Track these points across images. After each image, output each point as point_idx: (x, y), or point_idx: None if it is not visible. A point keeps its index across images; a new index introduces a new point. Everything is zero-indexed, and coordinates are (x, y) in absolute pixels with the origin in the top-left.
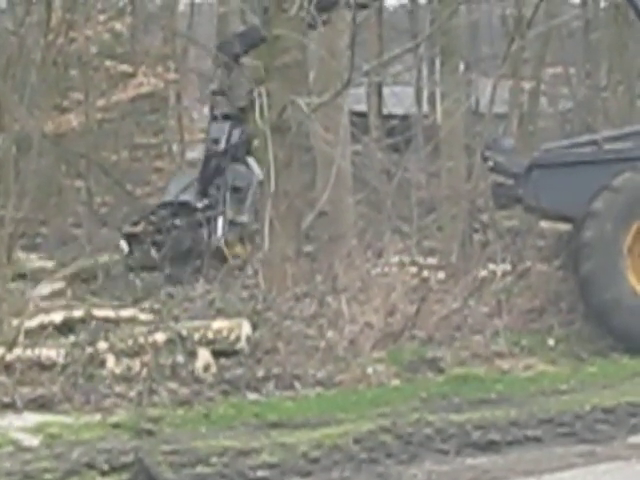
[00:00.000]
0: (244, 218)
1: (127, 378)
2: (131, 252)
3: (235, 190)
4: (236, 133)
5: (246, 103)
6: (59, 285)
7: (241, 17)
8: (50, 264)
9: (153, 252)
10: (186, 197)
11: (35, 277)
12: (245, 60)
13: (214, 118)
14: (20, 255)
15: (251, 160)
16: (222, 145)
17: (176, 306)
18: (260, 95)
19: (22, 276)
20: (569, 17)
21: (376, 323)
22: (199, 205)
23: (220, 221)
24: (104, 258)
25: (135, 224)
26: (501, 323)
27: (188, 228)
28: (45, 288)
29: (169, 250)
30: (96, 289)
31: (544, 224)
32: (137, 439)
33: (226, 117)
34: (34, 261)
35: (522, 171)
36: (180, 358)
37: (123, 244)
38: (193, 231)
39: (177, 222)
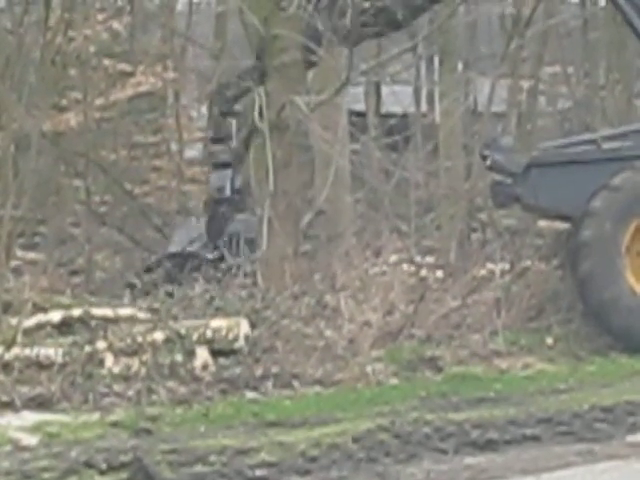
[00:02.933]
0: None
1: (126, 377)
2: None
3: (248, 241)
4: (238, 179)
5: (241, 149)
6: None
7: (240, 16)
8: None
9: None
10: (194, 248)
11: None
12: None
13: (215, 167)
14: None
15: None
16: (227, 192)
17: (175, 305)
18: (259, 94)
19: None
20: (567, 16)
21: (375, 322)
22: (210, 256)
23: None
24: None
25: (138, 275)
26: (500, 322)
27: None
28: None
29: None
30: (95, 288)
31: (543, 223)
32: (136, 438)
33: (226, 165)
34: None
35: (521, 170)
36: (179, 357)
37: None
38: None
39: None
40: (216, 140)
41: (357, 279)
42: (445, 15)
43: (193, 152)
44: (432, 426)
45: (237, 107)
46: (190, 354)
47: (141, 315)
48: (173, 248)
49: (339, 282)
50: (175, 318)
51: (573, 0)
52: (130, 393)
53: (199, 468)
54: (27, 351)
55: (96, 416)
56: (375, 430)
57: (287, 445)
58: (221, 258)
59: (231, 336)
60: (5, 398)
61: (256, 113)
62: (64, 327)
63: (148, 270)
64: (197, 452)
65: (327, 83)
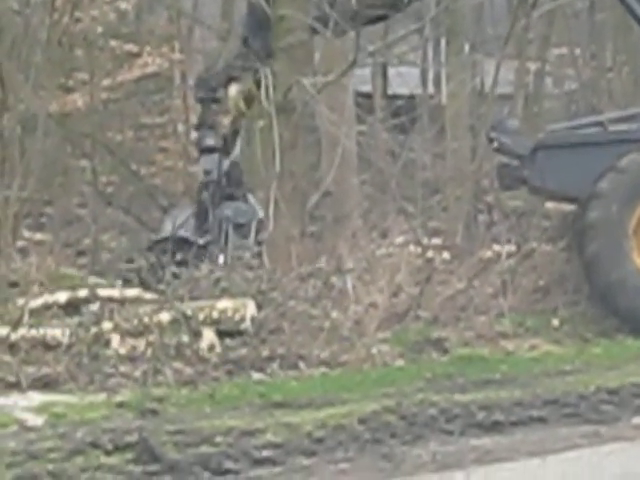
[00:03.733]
0: (247, 255)
1: (132, 358)
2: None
3: (237, 227)
4: (226, 163)
5: (228, 132)
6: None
7: None
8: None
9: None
10: (184, 233)
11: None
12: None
13: (202, 152)
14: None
15: (251, 197)
16: (214, 175)
17: (181, 286)
18: (265, 75)
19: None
20: None
21: (381, 303)
22: (200, 241)
23: (221, 258)
24: None
25: (131, 261)
26: (506, 304)
27: (189, 264)
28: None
29: None
30: (101, 269)
31: (549, 205)
32: (141, 419)
33: (213, 149)
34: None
35: (527, 152)
36: (185, 338)
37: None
38: (194, 267)
39: (177, 258)
40: (201, 126)
41: (363, 260)
42: None
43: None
44: (438, 407)
45: (219, 94)
46: (196, 335)
47: (147, 296)
48: (163, 234)
49: (345, 263)
50: (181, 299)
51: None
52: (136, 374)
53: (205, 449)
54: (33, 332)
55: (102, 397)
56: (381, 411)
57: (293, 426)
58: (211, 242)
59: (237, 317)
60: (11, 378)
61: (262, 94)
62: (70, 308)
63: (138, 256)
64: (203, 433)
65: (334, 64)
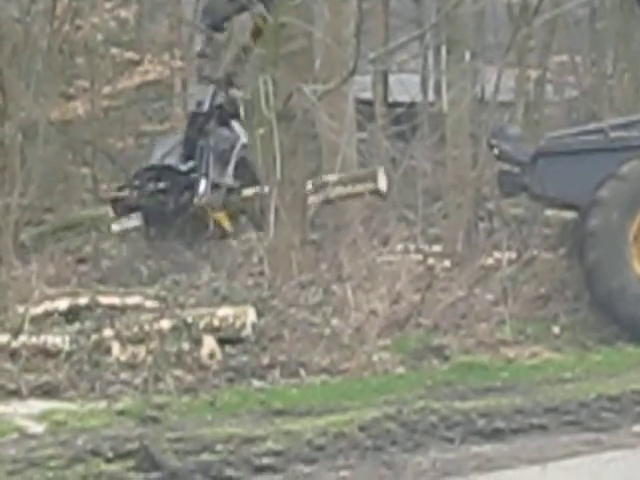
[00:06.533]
0: (227, 180)
1: (132, 365)
2: (117, 217)
3: (218, 153)
4: (220, 96)
5: (233, 68)
6: None
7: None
8: None
9: (137, 216)
10: (170, 160)
11: None
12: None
13: (199, 81)
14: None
15: (235, 123)
16: (205, 107)
17: (182, 293)
18: (266, 82)
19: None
20: (575, 5)
21: (381, 311)
22: (183, 168)
23: (203, 183)
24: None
25: (120, 189)
26: (506, 311)
27: (172, 191)
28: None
29: (152, 214)
30: (101, 276)
31: (550, 212)
32: (142, 426)
33: (210, 80)
34: None
35: (528, 159)
36: (185, 345)
37: (109, 210)
38: (177, 194)
39: (160, 185)
40: (202, 55)
41: (364, 268)
42: (452, 4)
43: None
44: (438, 415)
45: (226, 25)
46: (197, 342)
47: (148, 303)
48: (152, 161)
49: (346, 271)
50: (182, 306)
51: None
52: (137, 381)
53: (206, 456)
54: (34, 339)
55: (103, 404)
56: (381, 419)
57: (294, 434)
58: (193, 169)
59: (238, 324)
60: (12, 386)
61: (262, 101)
62: (71, 315)
63: (126, 186)
64: (204, 440)
65: (334, 72)
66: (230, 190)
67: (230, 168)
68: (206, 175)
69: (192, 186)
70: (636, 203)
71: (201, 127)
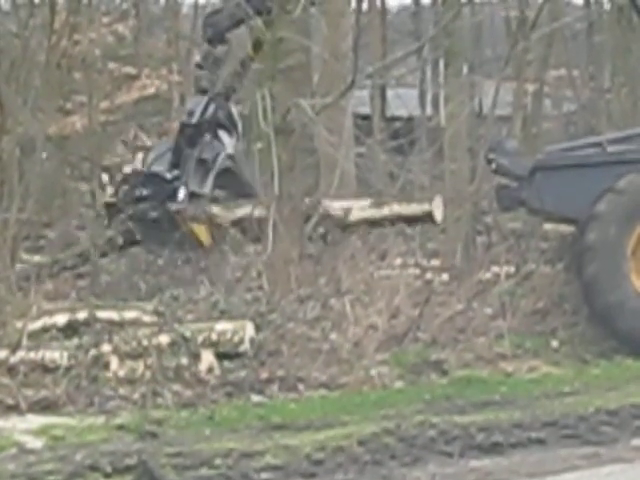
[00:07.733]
0: (206, 190)
1: (131, 380)
2: (109, 222)
3: (201, 162)
4: (212, 108)
5: (233, 81)
6: None
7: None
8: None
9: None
10: (158, 167)
11: None
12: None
13: (195, 92)
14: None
15: (224, 134)
16: (195, 118)
17: (180, 308)
18: (264, 97)
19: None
20: (573, 19)
21: (380, 325)
22: (168, 176)
23: (181, 191)
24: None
25: (115, 194)
26: (505, 325)
27: (155, 198)
28: None
29: (136, 221)
30: (100, 291)
31: (548, 226)
32: (141, 441)
33: (204, 91)
34: None
35: (526, 173)
36: (184, 360)
37: (104, 214)
38: (160, 201)
39: (144, 192)
40: (200, 66)
41: (362, 282)
42: (450, 18)
43: None
44: (437, 429)
45: (227, 36)
46: (195, 357)
47: (146, 318)
48: (142, 166)
49: (344, 285)
50: (180, 321)
51: (578, 3)
52: (135, 396)
53: (204, 471)
54: (32, 354)
55: (101, 419)
56: (380, 433)
57: (292, 448)
58: (177, 177)
59: (236, 339)
60: (10, 401)
61: (260, 115)
62: (69, 330)
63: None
64: (202, 455)
65: (332, 86)
66: (213, 200)
67: (210, 178)
68: (185, 184)
69: (175, 194)
70: (634, 217)
71: (190, 137)
